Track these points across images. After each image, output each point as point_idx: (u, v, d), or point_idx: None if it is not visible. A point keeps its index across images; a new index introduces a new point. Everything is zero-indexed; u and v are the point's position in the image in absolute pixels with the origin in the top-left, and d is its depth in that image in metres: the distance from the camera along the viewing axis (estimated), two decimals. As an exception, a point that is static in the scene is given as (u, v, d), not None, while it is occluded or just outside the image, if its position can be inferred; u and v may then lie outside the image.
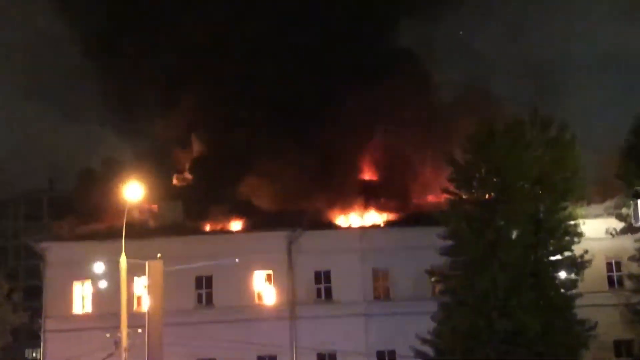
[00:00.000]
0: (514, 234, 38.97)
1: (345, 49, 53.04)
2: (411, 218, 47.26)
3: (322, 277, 44.91)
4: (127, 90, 54.99)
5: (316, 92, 50.79)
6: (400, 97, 50.43)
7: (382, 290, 45.42)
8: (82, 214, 47.79)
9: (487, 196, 39.75)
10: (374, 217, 49.37)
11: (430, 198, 48.13)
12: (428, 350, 39.33)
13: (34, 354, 53.48)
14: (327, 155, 49.73)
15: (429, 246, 40.08)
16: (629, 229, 40.04)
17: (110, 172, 45.82)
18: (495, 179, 39.48)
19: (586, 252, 39.30)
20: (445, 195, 41.01)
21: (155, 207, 46.35)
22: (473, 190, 40.15)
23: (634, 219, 37.28)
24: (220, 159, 49.70)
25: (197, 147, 53.84)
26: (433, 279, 41.86)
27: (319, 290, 44.78)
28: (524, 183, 39.15)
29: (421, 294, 42.92)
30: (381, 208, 49.92)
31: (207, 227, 48.01)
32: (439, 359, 39.54)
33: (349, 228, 47.56)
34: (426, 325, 38.94)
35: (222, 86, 51.47)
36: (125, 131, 56.95)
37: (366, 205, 49.66)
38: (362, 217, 49.19)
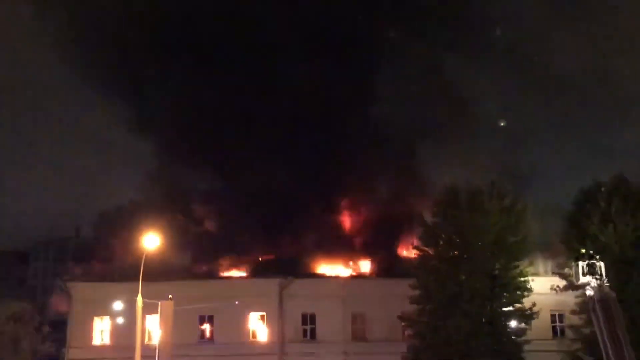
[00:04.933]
0: (474, 287, 38.64)
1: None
2: (387, 270, 47.40)
3: (308, 320, 45.04)
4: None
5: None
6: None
7: (359, 333, 45.32)
8: (102, 258, 48.17)
9: (450, 253, 39.74)
10: (356, 268, 49.56)
11: (404, 253, 48.28)
12: (400, 388, 40.31)
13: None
14: (320, 216, 51.07)
15: (401, 295, 40.19)
16: (571, 287, 37.76)
17: (130, 218, 45.85)
18: (457, 239, 39.54)
19: (534, 305, 39.43)
20: (416, 251, 41.31)
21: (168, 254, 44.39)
22: (439, 248, 40.11)
23: (575, 279, 35.21)
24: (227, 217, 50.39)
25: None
26: (403, 324, 42.05)
27: (305, 330, 44.92)
28: (482, 243, 39.03)
29: (393, 337, 42.95)
30: (362, 261, 49.92)
31: (212, 273, 48.24)
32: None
33: (334, 277, 47.70)
34: (398, 363, 39.79)
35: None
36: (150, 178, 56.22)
37: (349, 258, 49.76)
38: (345, 267, 49.26)
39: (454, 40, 64.77)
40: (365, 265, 50.01)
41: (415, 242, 42.59)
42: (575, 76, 69.09)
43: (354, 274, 48.87)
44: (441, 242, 40.28)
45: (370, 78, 58.98)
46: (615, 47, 75.21)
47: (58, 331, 43.63)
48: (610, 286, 33.18)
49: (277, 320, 44.82)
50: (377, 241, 50.53)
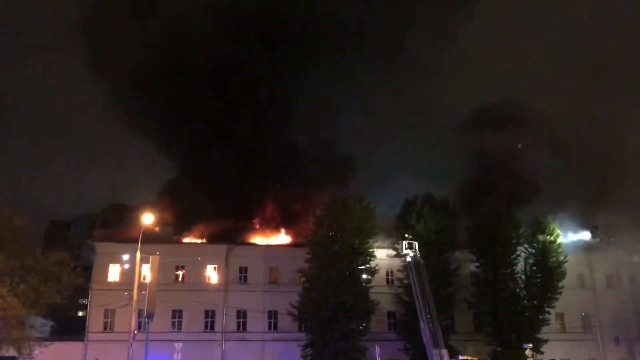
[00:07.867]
0: (342, 254, 43.59)
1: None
2: (294, 241, 51.51)
3: (243, 270, 48.90)
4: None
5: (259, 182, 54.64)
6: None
7: (274, 279, 49.27)
8: (117, 228, 49.59)
9: (330, 233, 44.41)
10: (275, 240, 53.44)
11: (305, 231, 48.53)
12: (295, 311, 43.91)
13: (84, 301, 51.78)
14: (253, 206, 54.13)
15: (301, 256, 44.94)
16: (398, 255, 44.90)
17: (135, 207, 47.27)
18: (334, 225, 44.28)
19: (377, 265, 45.18)
20: (310, 231, 45.79)
21: (157, 228, 45.77)
22: (324, 229, 44.64)
23: (401, 251, 43.06)
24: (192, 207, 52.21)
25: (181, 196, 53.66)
26: (300, 274, 46.19)
27: (240, 277, 48.73)
28: (348, 228, 44.02)
29: (294, 282, 47.13)
30: (277, 235, 54.15)
31: (185, 240, 51.20)
32: (300, 316, 44.22)
33: (259, 245, 51.54)
34: (296, 297, 43.87)
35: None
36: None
37: (269, 233, 53.86)
38: (266, 238, 53.29)
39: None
40: (280, 238, 53.28)
41: (311, 225, 46.27)
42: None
43: (272, 243, 52.14)
44: (325, 227, 44.69)
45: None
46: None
47: (86, 272, 43.52)
48: (420, 256, 41.35)
49: (224, 270, 48.25)
50: (289, 222, 53.47)
